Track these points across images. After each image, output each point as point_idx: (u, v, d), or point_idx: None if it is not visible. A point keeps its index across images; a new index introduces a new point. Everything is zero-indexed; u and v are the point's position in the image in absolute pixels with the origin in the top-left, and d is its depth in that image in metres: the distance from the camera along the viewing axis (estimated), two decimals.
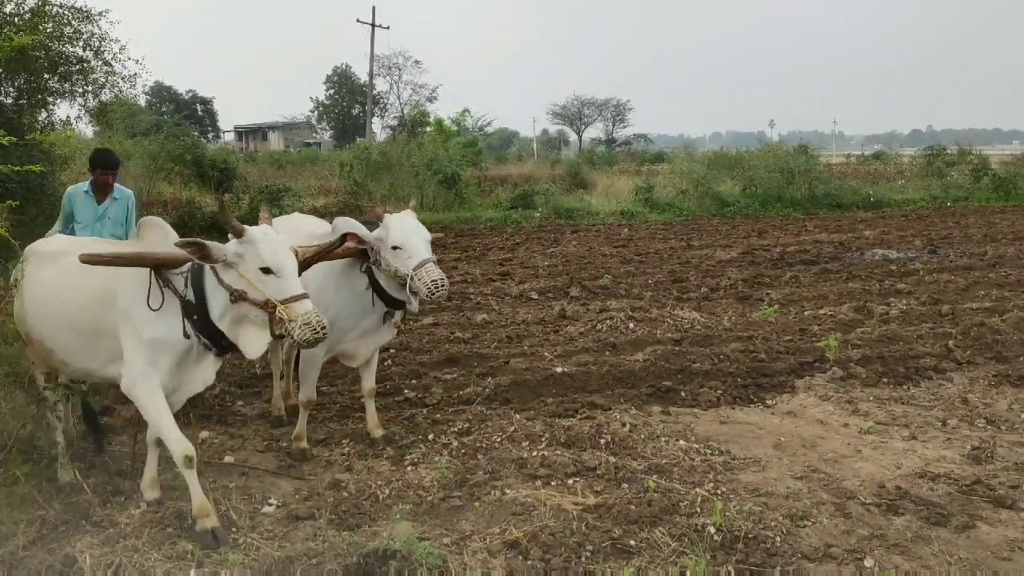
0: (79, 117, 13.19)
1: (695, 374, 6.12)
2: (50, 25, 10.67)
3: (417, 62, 56.15)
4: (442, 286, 4.25)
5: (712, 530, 3.58)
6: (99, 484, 4.15)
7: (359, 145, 27.00)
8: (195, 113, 56.81)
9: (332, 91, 60.55)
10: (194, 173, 16.95)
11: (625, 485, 4.11)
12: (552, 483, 4.17)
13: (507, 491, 4.04)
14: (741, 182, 21.80)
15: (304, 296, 3.44)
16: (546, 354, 6.71)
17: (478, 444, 4.73)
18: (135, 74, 12.26)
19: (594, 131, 65.85)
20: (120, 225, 5.18)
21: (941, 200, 21.83)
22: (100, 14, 11.26)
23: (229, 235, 3.53)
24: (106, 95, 12.13)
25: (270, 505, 3.99)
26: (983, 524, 3.77)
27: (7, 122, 9.55)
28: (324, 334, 3.42)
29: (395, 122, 51.37)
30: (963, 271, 10.59)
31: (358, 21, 38.96)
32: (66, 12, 10.96)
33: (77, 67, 11.26)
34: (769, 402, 5.67)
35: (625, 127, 65.04)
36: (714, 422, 5.25)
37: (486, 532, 3.64)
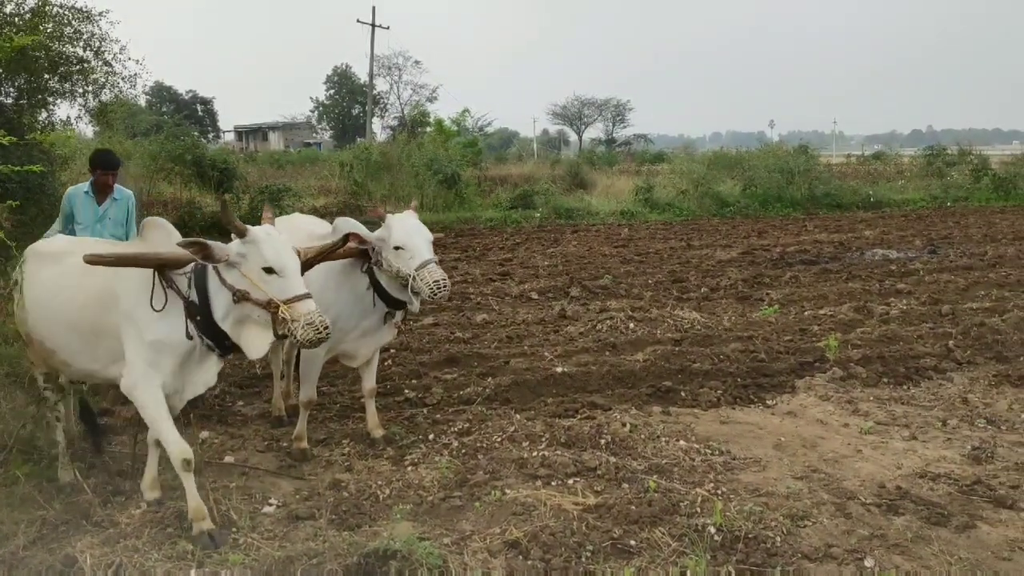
0: (79, 117, 13.19)
1: (695, 374, 6.12)
2: (50, 25, 10.67)
3: (417, 62, 56.19)
4: (444, 287, 4.25)
5: (712, 530, 3.58)
6: (99, 484, 4.16)
7: (359, 145, 27.00)
8: (195, 113, 56.83)
9: (332, 91, 60.57)
10: (194, 173, 16.95)
11: (625, 485, 4.12)
12: (552, 483, 4.17)
13: (507, 491, 4.04)
14: (741, 182, 21.81)
15: (307, 296, 3.43)
16: (546, 354, 6.71)
17: (478, 444, 4.73)
18: (135, 74, 12.26)
19: (594, 131, 65.98)
20: (120, 226, 5.18)
21: (941, 200, 21.84)
22: (100, 14, 11.26)
23: (232, 235, 3.53)
24: (106, 95, 12.13)
25: (270, 505, 3.99)
26: (983, 524, 3.77)
27: (7, 122, 9.55)
28: (327, 334, 3.41)
29: (395, 122, 51.41)
30: (963, 271, 10.59)
31: (358, 21, 38.98)
32: (66, 12, 10.96)
33: (77, 67, 11.25)
34: (769, 402, 5.67)
35: (625, 127, 65.15)
36: (714, 422, 5.25)
37: (486, 532, 3.64)
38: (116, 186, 5.20)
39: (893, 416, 5.33)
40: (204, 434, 4.99)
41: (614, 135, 63.31)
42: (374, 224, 4.58)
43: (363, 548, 3.37)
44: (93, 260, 3.42)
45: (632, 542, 3.54)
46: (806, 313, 8.24)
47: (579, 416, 5.25)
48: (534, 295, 9.48)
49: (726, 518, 3.67)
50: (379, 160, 19.93)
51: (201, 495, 3.71)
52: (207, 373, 3.74)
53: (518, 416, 5.20)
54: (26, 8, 10.58)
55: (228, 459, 4.65)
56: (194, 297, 3.51)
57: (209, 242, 3.44)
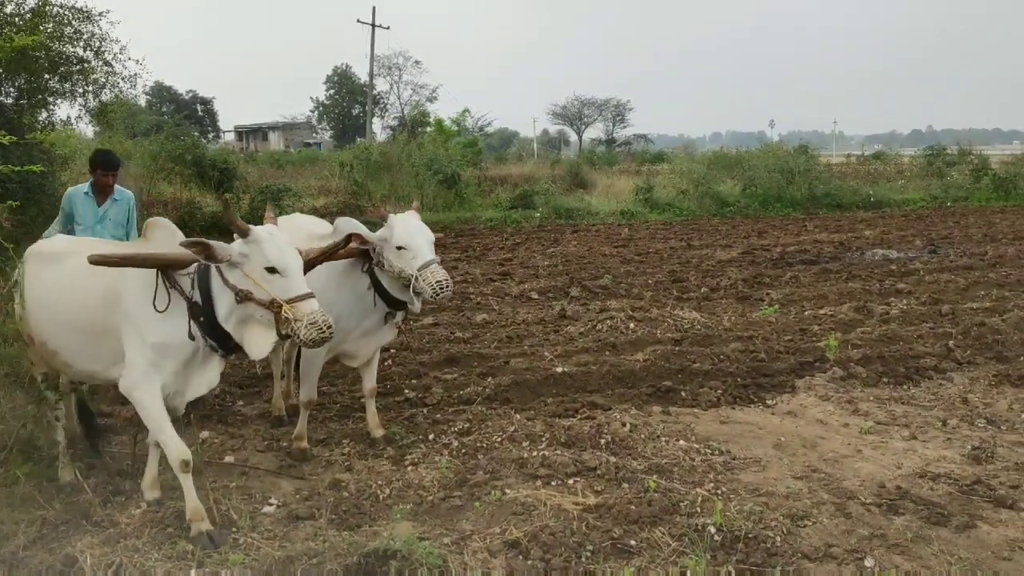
0: (79, 117, 13.22)
1: (695, 374, 6.12)
2: (50, 25, 10.68)
3: (417, 62, 56.24)
4: (446, 287, 4.26)
5: (712, 530, 3.58)
6: (99, 484, 4.16)
7: (359, 145, 27.00)
8: (195, 113, 56.84)
9: (332, 91, 60.58)
10: (194, 173, 16.95)
11: (625, 485, 4.12)
12: (552, 483, 4.17)
13: (507, 491, 4.04)
14: (741, 182, 21.81)
15: (310, 295, 3.43)
16: (546, 354, 6.71)
17: (478, 444, 4.73)
18: (135, 74, 12.31)
19: (594, 131, 66.00)
20: (121, 227, 5.17)
21: (941, 200, 21.84)
22: (100, 14, 11.28)
23: (234, 235, 3.53)
24: (106, 95, 12.15)
25: (270, 505, 3.99)
26: (983, 524, 3.77)
27: (7, 122, 9.56)
28: (330, 333, 3.41)
29: (395, 122, 51.44)
30: (963, 271, 10.59)
31: (358, 21, 38.97)
32: (66, 12, 10.97)
33: (77, 67, 11.26)
34: (769, 402, 5.67)
35: (625, 127, 65.17)
36: (714, 422, 5.25)
37: (486, 532, 3.64)
38: (116, 187, 5.19)
39: (893, 416, 5.33)
40: (204, 434, 4.99)
41: (614, 135, 63.33)
42: (374, 224, 4.59)
43: (363, 548, 3.37)
44: (98, 260, 3.41)
45: (632, 542, 3.54)
46: (806, 313, 8.24)
47: (579, 416, 5.25)
48: (534, 295, 9.49)
49: (726, 518, 3.67)
50: (379, 160, 19.93)
51: (201, 495, 3.71)
52: (210, 373, 3.73)
53: (518, 416, 5.20)
54: (26, 8, 10.60)
55: (228, 459, 4.65)
56: (197, 298, 3.50)
57: (211, 242, 3.44)
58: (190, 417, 4.99)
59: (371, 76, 42.16)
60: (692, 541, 3.51)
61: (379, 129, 51.41)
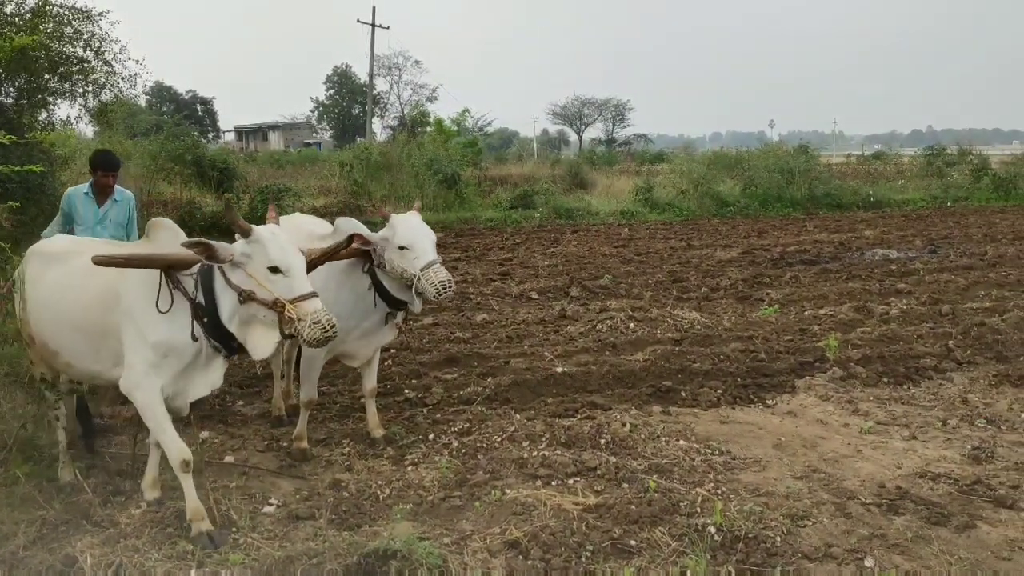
0: (79, 117, 13.22)
1: (695, 374, 6.12)
2: (50, 25, 10.69)
3: (417, 62, 56.35)
4: (449, 287, 4.26)
5: (712, 530, 3.58)
6: (99, 484, 4.15)
7: (359, 145, 27.01)
8: (195, 113, 56.86)
9: (332, 91, 60.58)
10: (194, 173, 16.96)
11: (625, 485, 4.12)
12: (552, 483, 4.17)
13: (507, 491, 4.04)
14: (741, 182, 21.81)
15: (313, 295, 3.42)
16: (546, 354, 6.71)
17: (478, 444, 4.73)
18: (135, 74, 12.32)
19: (594, 131, 66.01)
20: (121, 227, 5.15)
21: (941, 200, 21.84)
22: (100, 14, 11.28)
23: (236, 235, 3.52)
24: (106, 95, 12.16)
25: (270, 505, 3.99)
26: (983, 524, 3.77)
27: (7, 122, 9.56)
28: (334, 332, 3.40)
29: (395, 122, 51.44)
30: (963, 271, 10.59)
31: (358, 21, 39.08)
32: (66, 12, 10.98)
33: (77, 67, 11.27)
34: (769, 402, 5.67)
35: (625, 127, 65.17)
36: (714, 422, 5.25)
37: (486, 532, 3.64)
38: (117, 187, 5.17)
39: (893, 416, 5.33)
40: (204, 434, 4.99)
41: (614, 135, 63.33)
42: (374, 224, 4.59)
43: (363, 548, 3.37)
44: (103, 261, 3.40)
45: (632, 542, 3.54)
46: (806, 313, 8.24)
47: (579, 416, 5.25)
48: (534, 295, 9.49)
49: (726, 518, 3.67)
50: (379, 160, 19.93)
51: (201, 495, 3.71)
52: (213, 374, 3.72)
53: (518, 416, 5.20)
54: (26, 8, 10.60)
55: (228, 459, 4.65)
56: (201, 298, 3.50)
57: (213, 242, 3.43)
58: (190, 417, 4.98)
59: (371, 76, 42.19)
60: (692, 541, 3.51)
61: (379, 129, 51.48)
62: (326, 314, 3.38)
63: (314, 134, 62.21)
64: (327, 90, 60.75)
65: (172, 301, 3.51)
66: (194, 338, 3.52)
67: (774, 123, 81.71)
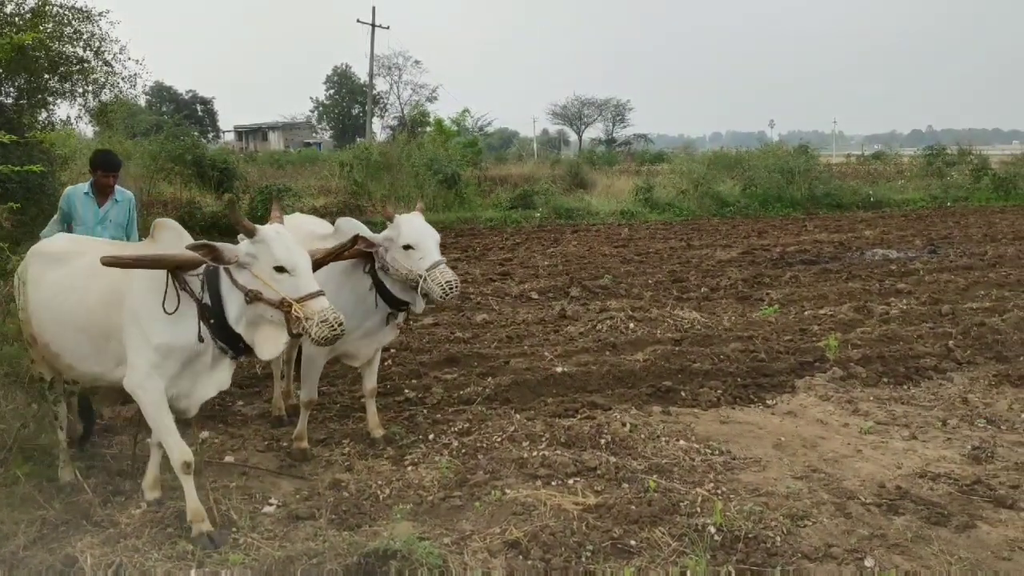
0: (79, 117, 13.23)
1: (695, 374, 6.12)
2: (50, 25, 10.68)
3: (417, 62, 56.40)
4: (455, 287, 4.25)
5: (712, 530, 3.58)
6: (99, 484, 4.15)
7: (359, 145, 27.01)
8: (195, 113, 56.83)
9: (332, 91, 60.56)
10: (194, 173, 16.97)
11: (625, 485, 4.12)
12: (552, 483, 4.17)
13: (507, 491, 4.04)
14: (741, 182, 21.81)
15: (320, 293, 3.42)
16: (546, 354, 6.71)
17: (478, 444, 4.73)
18: (135, 74, 12.32)
19: (594, 131, 66.01)
20: (121, 228, 5.13)
21: (941, 200, 21.84)
22: (100, 14, 11.28)
23: (239, 236, 3.52)
24: (106, 95, 12.16)
25: (271, 505, 3.99)
26: (983, 524, 3.77)
27: (7, 122, 9.57)
28: (342, 331, 3.39)
29: (395, 122, 51.45)
30: (963, 271, 10.59)
31: (358, 21, 39.06)
32: (66, 12, 10.98)
33: (77, 67, 11.27)
34: (769, 402, 5.67)
35: (625, 127, 65.18)
36: (714, 422, 5.25)
37: (486, 532, 3.64)
38: (117, 187, 5.16)
39: (893, 416, 5.33)
40: (204, 434, 4.99)
41: (614, 135, 63.33)
42: (374, 224, 4.59)
43: (363, 548, 3.37)
44: (111, 262, 3.39)
45: (632, 542, 3.54)
46: (806, 313, 8.24)
47: (579, 416, 5.25)
48: (534, 295, 9.49)
49: (726, 518, 3.67)
50: (379, 160, 19.92)
51: (201, 495, 3.71)
52: (220, 375, 3.71)
53: (518, 416, 5.20)
54: (26, 8, 10.59)
55: (228, 459, 4.65)
56: (207, 299, 3.48)
57: (218, 244, 3.42)
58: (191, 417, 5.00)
59: (371, 76, 42.19)
60: (692, 541, 3.51)
61: (379, 129, 51.50)
62: (333, 312, 3.37)
63: (314, 134, 62.22)
64: (327, 90, 60.77)
65: (179, 302, 3.50)
66: (201, 339, 3.50)
67: (774, 123, 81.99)
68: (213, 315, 3.47)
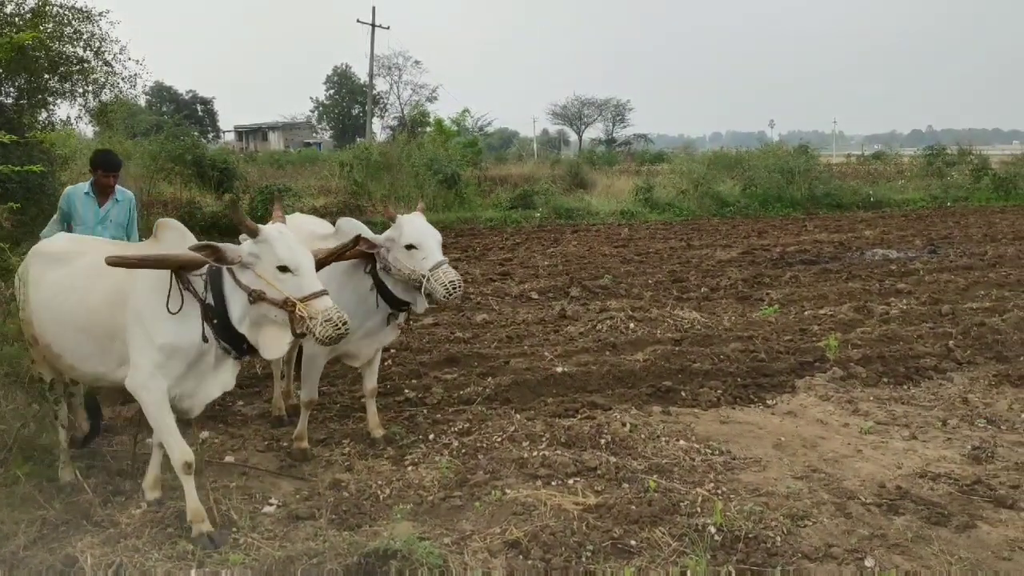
0: (79, 117, 13.21)
1: (695, 374, 6.12)
2: (50, 25, 10.68)
3: (417, 62, 56.37)
4: (459, 287, 4.25)
5: (712, 530, 3.58)
6: (99, 484, 4.15)
7: (359, 145, 27.00)
8: (195, 113, 56.83)
9: (332, 91, 60.56)
10: (194, 173, 16.97)
11: (625, 485, 4.12)
12: (552, 483, 4.17)
13: (507, 491, 4.04)
14: (741, 182, 21.82)
15: (323, 292, 3.41)
16: (546, 354, 6.71)
17: (478, 444, 4.73)
18: (135, 74, 12.32)
19: (594, 131, 66.02)
20: (121, 227, 5.13)
21: (941, 200, 21.84)
22: (100, 14, 11.28)
23: (240, 235, 3.51)
24: (106, 95, 12.15)
25: (271, 505, 3.99)
26: (983, 524, 3.77)
27: (7, 122, 9.56)
28: (346, 330, 3.39)
29: (395, 122, 51.46)
30: (963, 271, 10.59)
31: (358, 21, 39.08)
32: (66, 12, 10.97)
33: (77, 67, 11.26)
34: (769, 402, 5.67)
35: (625, 127, 65.20)
36: (714, 422, 5.25)
37: (486, 532, 3.64)
38: (117, 187, 5.16)
39: (893, 416, 5.33)
40: (204, 434, 4.99)
41: (614, 135, 63.34)
42: (375, 224, 4.59)
43: (363, 548, 3.37)
44: (116, 262, 3.38)
45: (632, 542, 3.54)
46: (806, 313, 8.24)
47: (579, 416, 5.25)
48: (534, 295, 9.49)
49: (726, 518, 3.67)
50: (379, 160, 19.92)
51: (201, 495, 3.71)
52: (224, 375, 3.70)
53: (518, 416, 5.20)
54: (26, 8, 10.59)
55: (228, 459, 4.65)
56: (210, 299, 3.48)
57: (221, 245, 3.41)
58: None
59: (371, 76, 42.19)
60: (692, 541, 3.51)
61: (379, 129, 51.50)
62: (337, 311, 3.37)
63: (314, 134, 62.22)
64: (327, 90, 60.76)
65: (183, 302, 3.49)
66: (205, 339, 3.50)
67: (774, 123, 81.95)
68: (216, 315, 3.46)
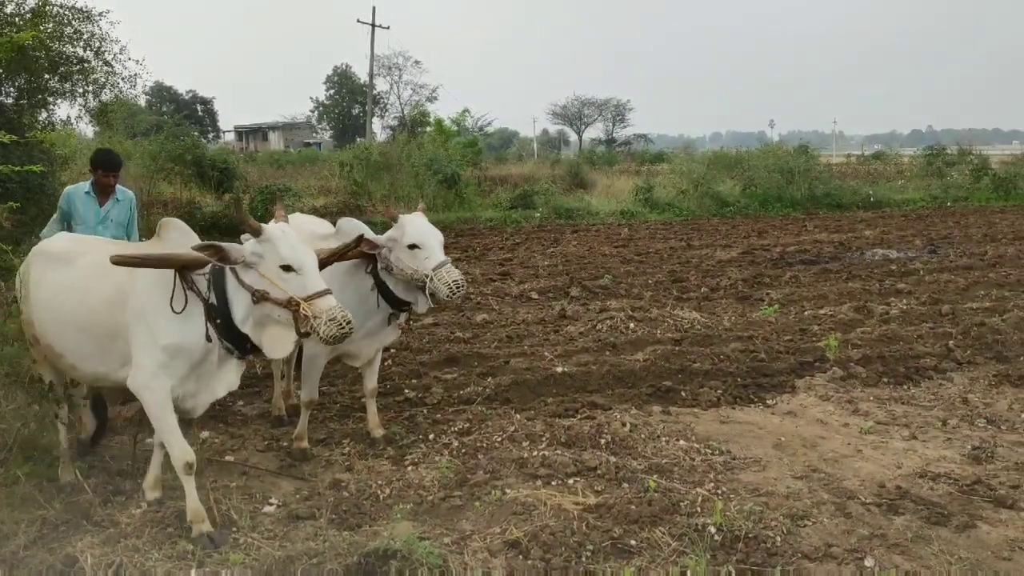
0: (79, 117, 13.22)
1: (695, 374, 6.12)
2: (50, 25, 10.68)
3: (417, 62, 56.42)
4: (462, 287, 4.26)
5: (712, 530, 3.58)
6: (100, 484, 4.15)
7: (359, 145, 27.02)
8: (195, 113, 56.85)
9: (332, 91, 60.58)
10: (194, 173, 16.98)
11: (625, 485, 4.12)
12: (552, 483, 4.18)
13: (507, 491, 4.04)
14: (741, 182, 21.81)
15: (327, 292, 3.40)
16: (546, 354, 6.71)
17: (478, 444, 4.74)
18: (135, 74, 12.33)
19: (594, 131, 66.06)
20: (122, 227, 5.13)
21: (941, 200, 21.84)
22: (100, 14, 11.29)
23: (242, 235, 3.51)
24: (106, 95, 12.16)
25: (271, 505, 3.99)
26: (983, 524, 3.77)
27: (7, 122, 9.57)
28: (350, 329, 3.38)
29: (395, 122, 51.48)
30: (963, 271, 10.59)
31: (358, 21, 39.09)
32: (66, 12, 10.98)
33: (77, 67, 11.27)
34: (769, 402, 5.67)
35: (625, 127, 65.22)
36: (714, 422, 5.25)
37: (486, 532, 3.64)
38: (118, 187, 5.16)
39: (893, 416, 5.33)
40: (204, 434, 5.00)
41: (614, 135, 63.36)
42: (375, 224, 4.59)
43: (363, 548, 3.37)
44: (120, 261, 3.38)
45: (632, 542, 3.54)
46: (806, 313, 8.25)
47: (579, 416, 5.25)
48: (534, 295, 9.49)
49: (726, 518, 3.67)
50: (379, 160, 19.92)
51: (201, 495, 3.71)
52: (228, 375, 3.70)
53: (518, 416, 5.21)
54: (26, 8, 10.60)
55: (228, 459, 4.65)
56: (213, 299, 3.48)
57: (224, 244, 3.41)
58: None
59: (371, 76, 42.20)
60: (692, 541, 3.51)
61: (379, 129, 51.51)
62: (341, 311, 3.36)
63: (314, 134, 62.23)
64: (327, 90, 60.78)
65: (186, 301, 3.49)
66: (208, 339, 3.50)
67: (774, 123, 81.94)
68: (219, 315, 3.46)
